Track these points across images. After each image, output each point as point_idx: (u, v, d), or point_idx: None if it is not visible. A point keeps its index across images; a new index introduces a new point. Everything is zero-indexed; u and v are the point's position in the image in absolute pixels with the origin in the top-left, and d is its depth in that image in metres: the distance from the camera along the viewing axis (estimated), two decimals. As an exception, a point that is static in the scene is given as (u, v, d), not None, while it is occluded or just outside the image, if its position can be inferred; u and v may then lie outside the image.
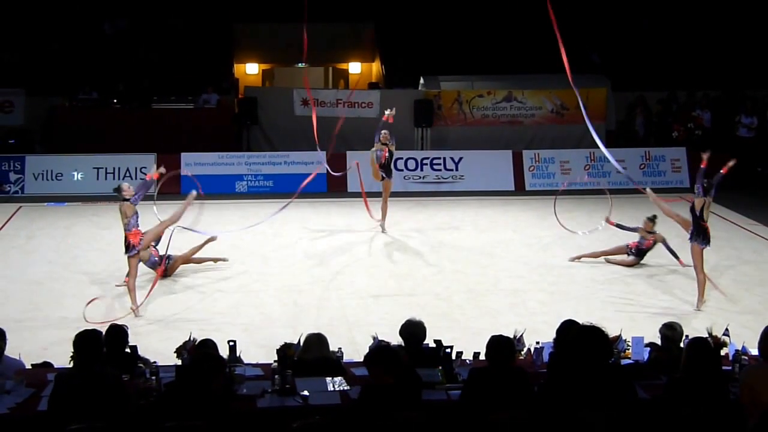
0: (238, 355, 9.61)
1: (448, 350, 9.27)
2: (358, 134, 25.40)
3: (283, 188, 23.36)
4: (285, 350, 9.03)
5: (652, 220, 16.63)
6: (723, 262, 16.98)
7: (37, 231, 19.32)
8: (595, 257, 16.84)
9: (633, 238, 16.72)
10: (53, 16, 27.97)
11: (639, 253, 16.67)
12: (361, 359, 10.02)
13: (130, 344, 9.39)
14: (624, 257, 16.76)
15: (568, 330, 8.62)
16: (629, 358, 9.63)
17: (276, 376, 8.45)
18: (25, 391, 8.38)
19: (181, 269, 16.18)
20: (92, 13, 28.36)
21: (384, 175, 18.76)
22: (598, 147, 15.77)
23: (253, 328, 13.40)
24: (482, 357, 8.89)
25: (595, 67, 27.74)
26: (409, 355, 8.87)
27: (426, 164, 24.21)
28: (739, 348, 9.41)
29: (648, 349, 9.68)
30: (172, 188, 21.98)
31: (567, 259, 16.88)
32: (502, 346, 8.05)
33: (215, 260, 16.55)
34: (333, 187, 23.59)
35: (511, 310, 14.23)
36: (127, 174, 23.11)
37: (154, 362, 9.16)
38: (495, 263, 16.97)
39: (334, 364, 9.24)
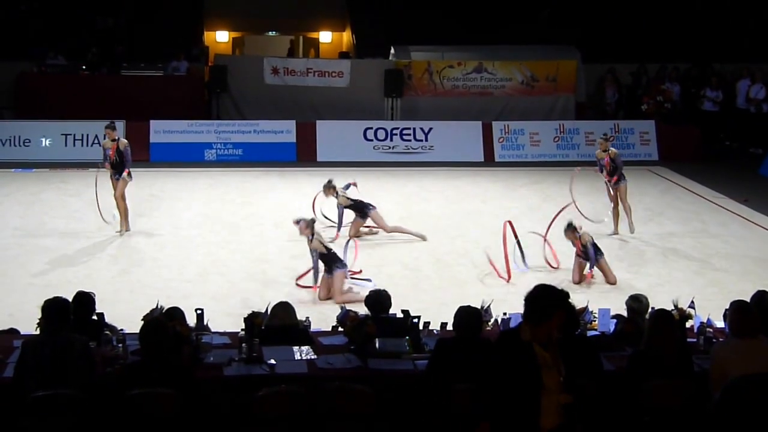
0: (205, 323, 9.59)
1: (416, 320, 9.29)
2: (327, 104, 25.38)
3: (252, 157, 23.33)
4: (252, 319, 9.03)
5: (607, 138, 17.00)
6: (689, 234, 17.08)
7: (4, 197, 19.17)
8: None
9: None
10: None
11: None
12: (329, 329, 10.07)
13: (97, 311, 9.37)
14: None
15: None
16: (596, 329, 9.68)
17: (243, 345, 8.46)
18: (-9, 357, 8.34)
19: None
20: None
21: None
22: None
23: (221, 296, 13.39)
24: (449, 327, 8.94)
25: (543, 24, 27.76)
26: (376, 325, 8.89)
27: (396, 134, 24.16)
28: (704, 320, 9.50)
29: (614, 320, 9.75)
30: (142, 156, 21.91)
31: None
32: (470, 317, 8.09)
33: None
34: (303, 155, 23.56)
35: (479, 281, 14.29)
36: (96, 141, 22.91)
37: (121, 330, 9.12)
38: (464, 234, 17.00)
39: (301, 332, 9.25)
